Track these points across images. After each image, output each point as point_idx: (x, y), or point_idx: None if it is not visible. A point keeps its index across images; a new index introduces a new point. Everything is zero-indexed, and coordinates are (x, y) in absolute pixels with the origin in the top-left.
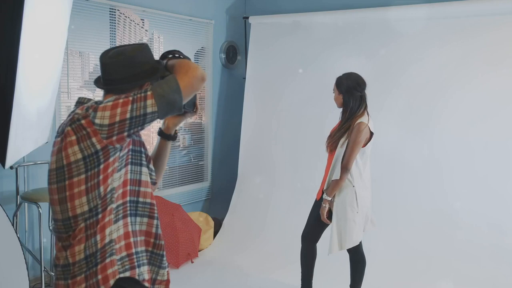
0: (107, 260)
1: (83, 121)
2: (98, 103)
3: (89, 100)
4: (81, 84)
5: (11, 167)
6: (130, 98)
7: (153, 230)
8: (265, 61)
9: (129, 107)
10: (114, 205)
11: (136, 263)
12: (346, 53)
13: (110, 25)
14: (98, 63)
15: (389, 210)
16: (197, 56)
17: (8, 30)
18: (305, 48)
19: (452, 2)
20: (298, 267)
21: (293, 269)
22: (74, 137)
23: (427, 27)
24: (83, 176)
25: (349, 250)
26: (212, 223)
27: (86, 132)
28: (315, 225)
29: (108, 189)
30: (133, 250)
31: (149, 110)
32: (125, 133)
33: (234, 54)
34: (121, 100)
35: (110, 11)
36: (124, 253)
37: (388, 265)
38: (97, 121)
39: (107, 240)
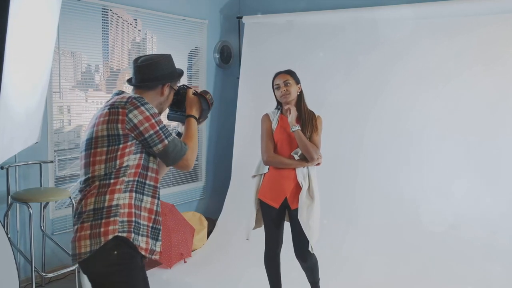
0: (111, 219)
1: (120, 109)
2: (138, 100)
3: (125, 92)
4: (73, 84)
5: (1, 167)
6: (157, 127)
7: (154, 208)
8: (259, 60)
9: (151, 131)
10: (126, 179)
11: (133, 230)
12: (339, 53)
13: (102, 25)
14: (90, 63)
15: (382, 210)
16: (191, 56)
17: None
18: (299, 48)
19: (443, 2)
20: (292, 268)
21: (287, 269)
22: (107, 118)
23: (419, 26)
24: (104, 149)
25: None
26: (205, 223)
27: (117, 118)
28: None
29: (124, 164)
30: (133, 219)
31: (157, 147)
32: (138, 139)
33: (228, 54)
34: (153, 121)
35: (102, 11)
36: (125, 218)
37: (381, 265)
38: (130, 115)
39: (114, 202)
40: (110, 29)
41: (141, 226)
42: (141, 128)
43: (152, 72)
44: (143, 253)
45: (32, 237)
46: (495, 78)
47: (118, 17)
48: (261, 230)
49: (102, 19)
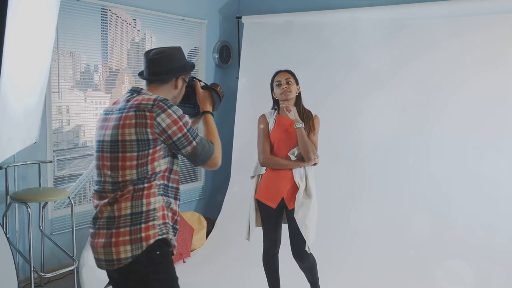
0: (150, 223)
1: (147, 113)
2: (164, 103)
3: (142, 89)
4: (72, 84)
5: (0, 167)
6: (185, 130)
7: (176, 208)
8: (258, 60)
9: (179, 134)
10: (157, 182)
11: (167, 230)
12: (338, 53)
13: (101, 25)
14: (89, 63)
15: (382, 209)
16: (190, 56)
17: None
18: (298, 48)
19: (442, 2)
20: (290, 267)
21: (286, 269)
22: (134, 121)
23: (419, 26)
24: (135, 154)
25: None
26: (205, 223)
27: (145, 122)
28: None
29: (156, 170)
30: (167, 221)
31: (186, 149)
32: (166, 143)
33: (227, 54)
34: (180, 123)
35: (101, 11)
36: (161, 221)
37: (380, 265)
38: (158, 119)
39: (151, 207)
40: (109, 29)
41: (170, 227)
42: (170, 132)
43: (165, 64)
44: (174, 251)
45: (31, 237)
46: (495, 78)
47: (117, 17)
48: (260, 230)
49: (101, 19)
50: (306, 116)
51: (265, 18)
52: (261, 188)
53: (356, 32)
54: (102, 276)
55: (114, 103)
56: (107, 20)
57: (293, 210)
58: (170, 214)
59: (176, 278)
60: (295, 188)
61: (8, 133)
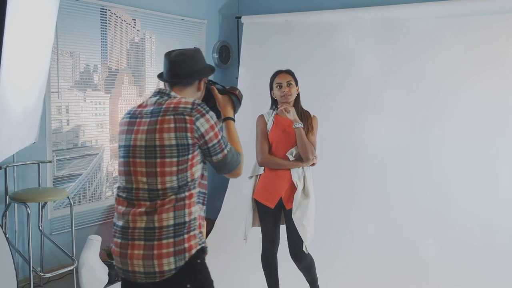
0: (192, 233)
1: (187, 117)
2: (203, 107)
3: (170, 91)
4: (71, 84)
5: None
6: (219, 137)
7: (203, 214)
8: (258, 60)
9: (215, 141)
10: (196, 190)
11: (203, 239)
12: (338, 53)
13: (101, 25)
14: (89, 63)
15: (382, 209)
16: None
17: None
18: (298, 48)
19: (442, 2)
20: (290, 268)
21: (285, 269)
22: (173, 125)
23: (419, 26)
24: (175, 159)
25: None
26: (204, 223)
27: (185, 126)
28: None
29: (195, 176)
30: (202, 230)
31: (217, 156)
32: (202, 148)
33: (227, 54)
34: (216, 129)
35: (101, 11)
36: (199, 230)
37: (380, 265)
38: (197, 123)
39: (192, 216)
40: (109, 29)
41: (203, 234)
42: (207, 138)
43: (189, 66)
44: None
45: (30, 237)
46: (495, 78)
47: (117, 17)
48: (259, 230)
49: (101, 19)
50: (305, 116)
51: (264, 18)
52: (259, 188)
53: (356, 32)
54: (102, 276)
55: (140, 106)
56: (106, 20)
57: (291, 210)
58: (203, 222)
59: (212, 282)
60: (293, 188)
61: (8, 133)
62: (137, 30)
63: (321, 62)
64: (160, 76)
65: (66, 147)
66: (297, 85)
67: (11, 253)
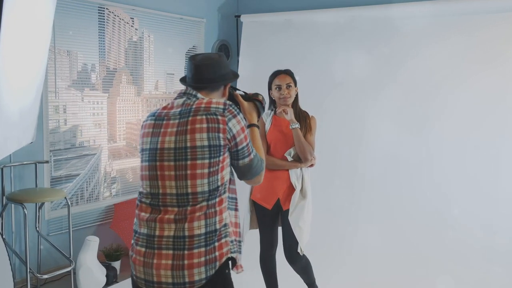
0: (223, 240)
1: (219, 117)
2: (233, 108)
3: (197, 93)
4: (69, 83)
5: None
6: (248, 140)
7: (238, 221)
8: (257, 59)
9: (244, 144)
10: (227, 195)
11: (237, 249)
12: (338, 52)
13: (99, 23)
14: (86, 62)
15: (382, 210)
16: (189, 55)
17: None
18: (297, 47)
19: (442, 1)
20: (289, 270)
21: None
22: (205, 125)
23: (418, 26)
24: (206, 161)
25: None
26: (237, 230)
27: (218, 126)
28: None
29: (225, 179)
30: (237, 238)
31: (244, 160)
32: (231, 150)
33: (226, 53)
34: (246, 132)
35: (99, 10)
36: (233, 237)
37: (380, 265)
38: (230, 124)
39: (223, 222)
40: (107, 27)
41: (238, 243)
42: (238, 140)
43: (215, 71)
44: (236, 271)
45: (27, 238)
46: (495, 77)
47: (115, 15)
48: (257, 231)
49: (99, 18)
50: (303, 117)
51: (264, 17)
52: (256, 189)
53: (356, 31)
54: (99, 278)
55: (165, 108)
56: (104, 19)
57: (287, 211)
58: (237, 229)
59: None
60: (291, 189)
61: (4, 133)
62: (135, 29)
63: (320, 61)
64: (183, 80)
65: (64, 147)
66: (296, 86)
67: (8, 254)
